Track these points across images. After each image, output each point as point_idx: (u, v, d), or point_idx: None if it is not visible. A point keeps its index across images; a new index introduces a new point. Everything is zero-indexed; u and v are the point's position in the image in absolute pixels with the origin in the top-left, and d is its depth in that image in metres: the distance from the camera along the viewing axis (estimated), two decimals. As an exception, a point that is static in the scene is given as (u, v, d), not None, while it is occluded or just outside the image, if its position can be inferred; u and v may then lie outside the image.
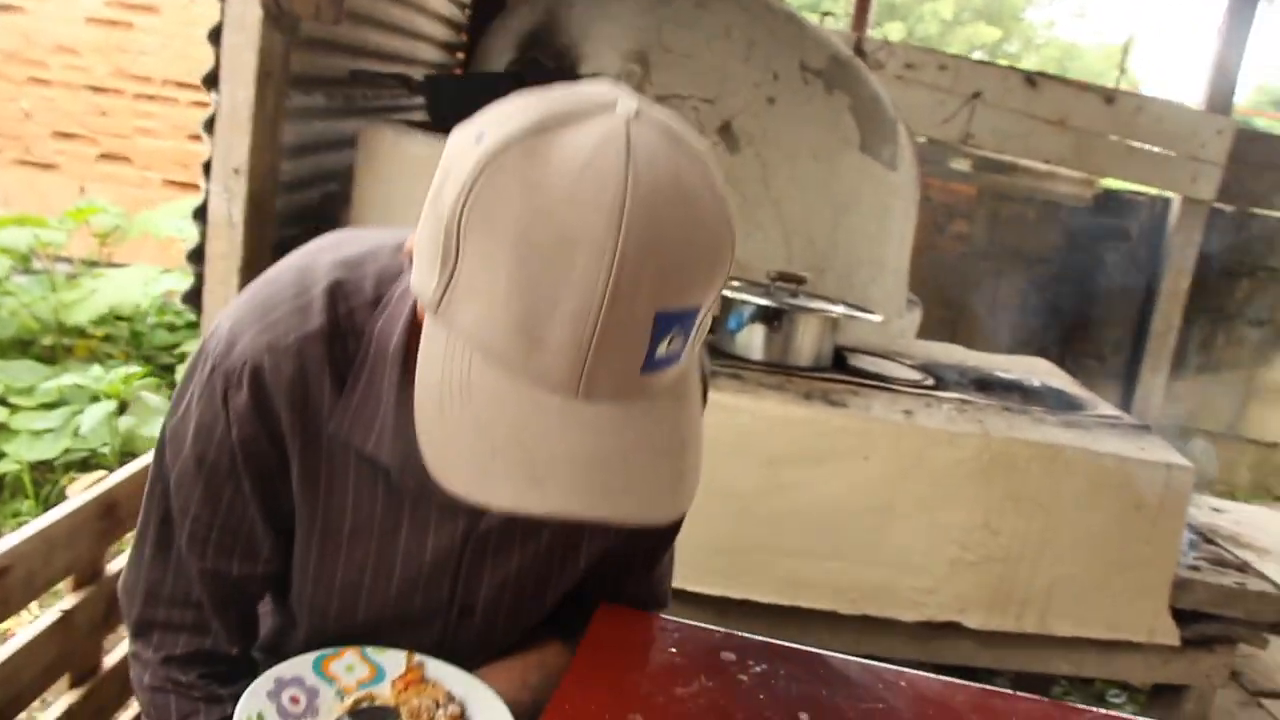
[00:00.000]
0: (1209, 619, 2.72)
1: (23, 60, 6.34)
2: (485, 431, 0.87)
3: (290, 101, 2.87)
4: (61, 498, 2.92)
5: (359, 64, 3.55)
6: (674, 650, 1.36)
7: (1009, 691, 1.39)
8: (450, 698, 1.21)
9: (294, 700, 1.15)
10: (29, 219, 4.83)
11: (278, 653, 1.30)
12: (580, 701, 1.20)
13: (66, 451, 3.72)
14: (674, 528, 1.47)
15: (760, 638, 1.42)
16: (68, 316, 4.54)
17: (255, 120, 2.60)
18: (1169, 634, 2.66)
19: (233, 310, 1.15)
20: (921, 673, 1.41)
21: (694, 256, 0.87)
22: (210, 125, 2.63)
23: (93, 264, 5.57)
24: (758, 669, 1.34)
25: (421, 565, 1.24)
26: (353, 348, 1.13)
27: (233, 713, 1.11)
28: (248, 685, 1.15)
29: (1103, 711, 1.39)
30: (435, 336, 0.91)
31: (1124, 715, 1.41)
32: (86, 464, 3.99)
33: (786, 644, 1.42)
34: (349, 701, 1.18)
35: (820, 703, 1.29)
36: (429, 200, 0.91)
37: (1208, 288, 6.11)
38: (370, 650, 1.24)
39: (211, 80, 2.63)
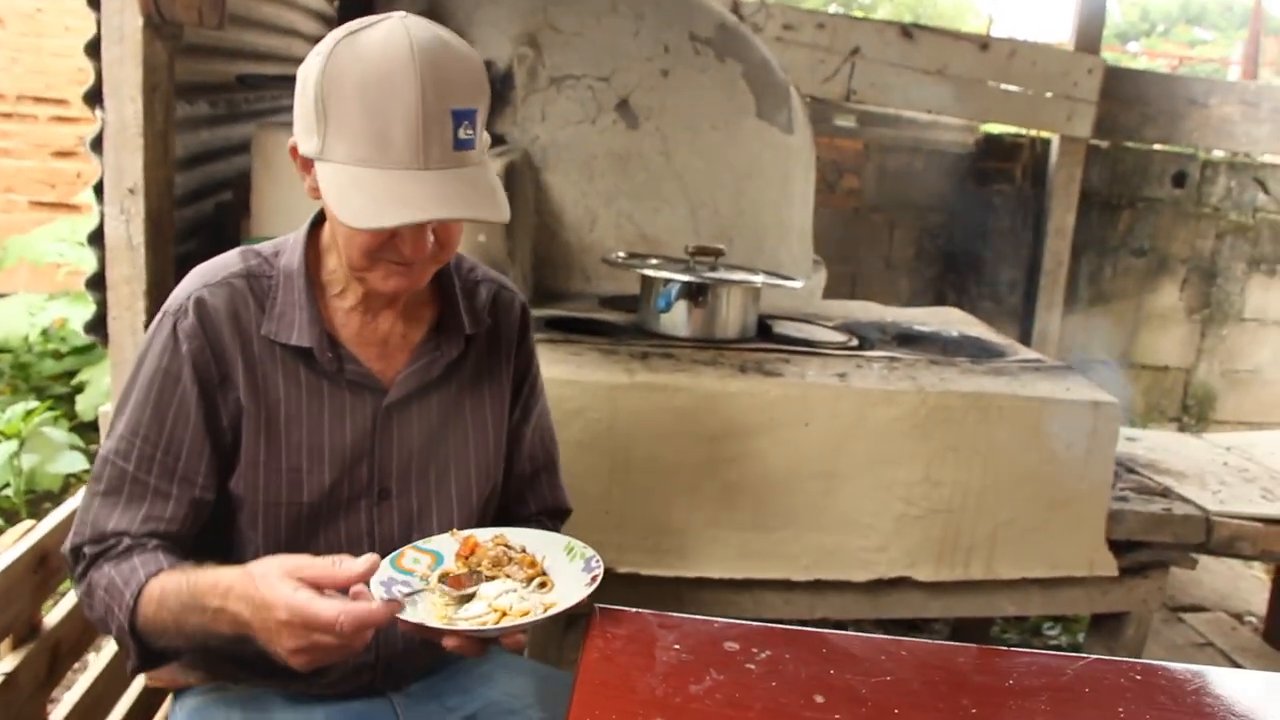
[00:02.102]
0: (1141, 546, 2.80)
1: None
2: (375, 199, 1.33)
3: (175, 113, 2.75)
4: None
5: (240, 68, 3.43)
6: (677, 646, 1.35)
7: (1005, 649, 1.42)
8: (508, 544, 1.49)
9: (401, 590, 1.38)
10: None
11: None
12: (599, 711, 1.19)
13: (-33, 497, 3.54)
14: (551, 432, 1.86)
15: (758, 623, 1.42)
16: (-50, 353, 4.32)
17: (146, 135, 2.48)
18: (1108, 565, 2.74)
19: (179, 286, 1.56)
20: (919, 639, 1.43)
21: (463, 73, 1.37)
22: (98, 144, 2.50)
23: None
24: (763, 655, 1.34)
25: (345, 447, 1.56)
26: (266, 283, 1.55)
27: (155, 570, 1.42)
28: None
29: (1091, 657, 1.43)
30: (324, 171, 1.38)
31: (1112, 658, 1.44)
32: (-12, 508, 3.81)
33: (785, 627, 1.42)
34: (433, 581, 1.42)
35: (831, 682, 1.29)
36: (297, 100, 1.41)
37: (1091, 222, 6.30)
38: (420, 543, 1.50)
39: (94, 97, 2.50)
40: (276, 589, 1.28)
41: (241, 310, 1.53)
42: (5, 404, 3.95)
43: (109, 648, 2.38)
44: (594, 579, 1.38)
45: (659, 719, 1.17)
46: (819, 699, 1.25)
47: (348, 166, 1.35)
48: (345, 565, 1.30)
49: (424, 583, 1.41)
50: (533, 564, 1.45)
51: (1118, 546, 2.77)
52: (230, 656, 1.60)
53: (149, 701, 2.46)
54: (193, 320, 1.50)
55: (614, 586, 2.56)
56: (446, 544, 1.49)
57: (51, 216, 5.95)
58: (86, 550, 1.50)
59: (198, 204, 3.21)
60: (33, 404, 3.76)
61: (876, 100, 5.73)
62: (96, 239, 2.63)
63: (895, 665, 1.34)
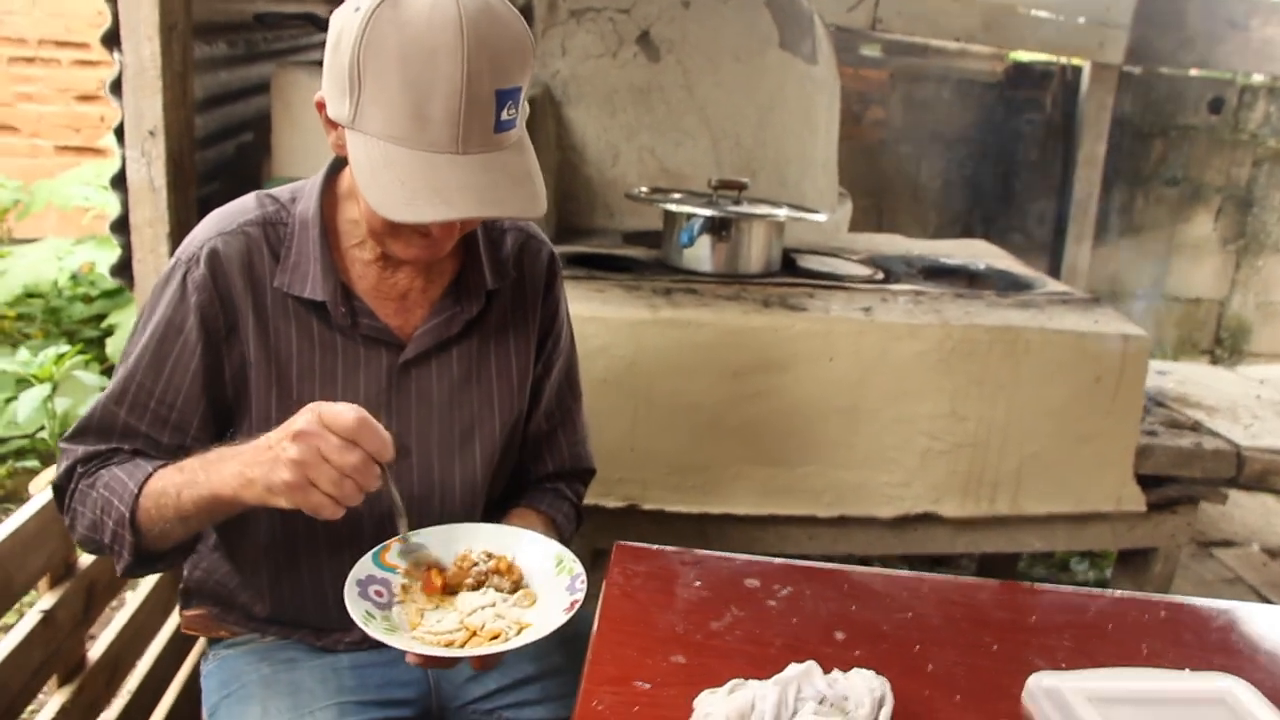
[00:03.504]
0: (1170, 481, 2.78)
1: (-113, 32, 5.95)
2: (406, 184, 1.27)
3: (193, 54, 2.73)
4: (18, 494, 2.81)
5: (259, 7, 3.40)
6: (699, 584, 1.35)
7: (1028, 585, 1.41)
8: (489, 555, 1.43)
9: (378, 593, 1.36)
10: (-83, 199, 4.58)
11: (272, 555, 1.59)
12: (618, 648, 1.19)
13: (2, 442, 3.58)
14: (575, 388, 1.80)
15: (780, 560, 1.42)
16: (-18, 299, 4.35)
17: (165, 77, 2.45)
18: (1135, 500, 2.72)
19: (192, 233, 1.52)
20: (942, 575, 1.42)
21: (511, 50, 1.29)
22: (117, 87, 2.48)
23: (-5, 240, 5.33)
24: (784, 592, 1.34)
25: (359, 400, 1.42)
26: (283, 232, 1.50)
27: (153, 471, 1.40)
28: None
29: (1116, 593, 1.42)
30: (355, 141, 1.31)
31: (1138, 594, 1.44)
32: (23, 452, 3.86)
33: (805, 564, 1.42)
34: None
35: (852, 619, 1.29)
36: (329, 56, 1.32)
37: (1123, 152, 6.16)
38: (410, 535, 1.43)
39: (111, 39, 2.47)
40: (322, 403, 1.29)
41: (255, 260, 1.49)
42: (37, 348, 3.97)
43: (143, 587, 2.41)
44: (573, 604, 1.30)
45: (679, 655, 1.18)
46: (839, 635, 1.25)
47: (381, 142, 1.29)
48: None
49: (408, 579, 1.39)
50: (516, 582, 1.40)
51: (1146, 481, 2.75)
52: (260, 611, 1.62)
53: (183, 640, 2.49)
54: (204, 271, 1.46)
55: (639, 523, 2.61)
56: (435, 535, 1.46)
57: (77, 161, 5.93)
58: (79, 469, 1.48)
59: (219, 146, 3.19)
60: (64, 348, 3.79)
61: (903, 29, 5.61)
62: (119, 182, 2.61)
63: (916, 601, 1.34)
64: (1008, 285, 2.96)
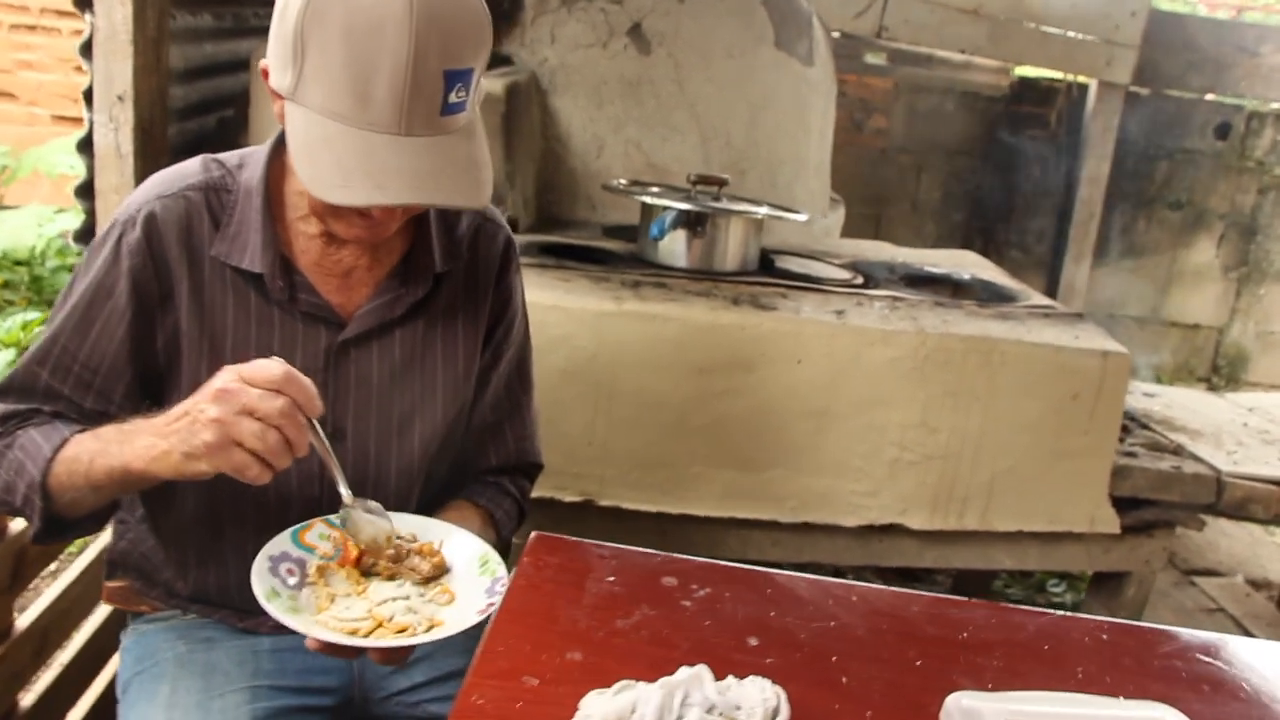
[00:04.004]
0: (1147, 504, 2.71)
1: (-112, -3, 5.93)
2: (341, 165, 1.21)
3: (176, 23, 2.68)
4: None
5: (244, -22, 3.34)
6: (612, 579, 1.28)
7: (963, 599, 1.34)
8: (414, 537, 1.39)
9: (289, 571, 1.31)
10: (-94, 165, 4.54)
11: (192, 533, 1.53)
12: (514, 640, 1.13)
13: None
14: (526, 380, 1.73)
15: (703, 559, 1.35)
16: (-41, 265, 4.31)
17: (136, 42, 2.41)
18: (1109, 522, 2.65)
19: (132, 194, 1.46)
20: (874, 585, 1.35)
21: (464, 29, 1.23)
22: (87, 50, 2.44)
23: (-17, 207, 5.28)
24: (701, 593, 1.27)
25: None
26: (226, 199, 1.43)
27: (70, 436, 1.33)
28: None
29: (1057, 613, 1.35)
30: (294, 113, 1.26)
31: (1081, 615, 1.36)
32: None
33: (731, 564, 1.35)
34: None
35: (769, 625, 1.22)
36: (275, 23, 1.26)
37: (1127, 173, 6.08)
38: (332, 517, 1.38)
39: (85, 1, 2.43)
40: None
41: (195, 226, 1.42)
42: (13, 314, 3.93)
43: (83, 558, 2.35)
44: (488, 607, 1.24)
45: (576, 652, 1.11)
46: (752, 641, 1.17)
47: (320, 117, 1.23)
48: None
49: (324, 560, 1.34)
50: (438, 565, 1.34)
51: (1122, 503, 2.68)
52: (182, 588, 1.57)
53: (122, 613, 2.43)
54: (139, 235, 1.40)
55: (595, 520, 2.54)
56: (365, 523, 1.39)
57: (73, 130, 5.91)
58: None
59: (201, 118, 3.14)
60: (33, 315, 3.74)
61: (909, 38, 5.54)
62: (86, 147, 2.57)
63: (841, 610, 1.27)
64: (990, 296, 2.89)
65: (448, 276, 1.55)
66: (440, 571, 1.33)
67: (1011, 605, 1.38)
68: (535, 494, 2.49)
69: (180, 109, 2.82)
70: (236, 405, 1.17)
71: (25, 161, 4.94)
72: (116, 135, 2.46)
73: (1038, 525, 2.64)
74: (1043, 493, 2.61)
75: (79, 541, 2.75)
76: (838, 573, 3.52)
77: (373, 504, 1.37)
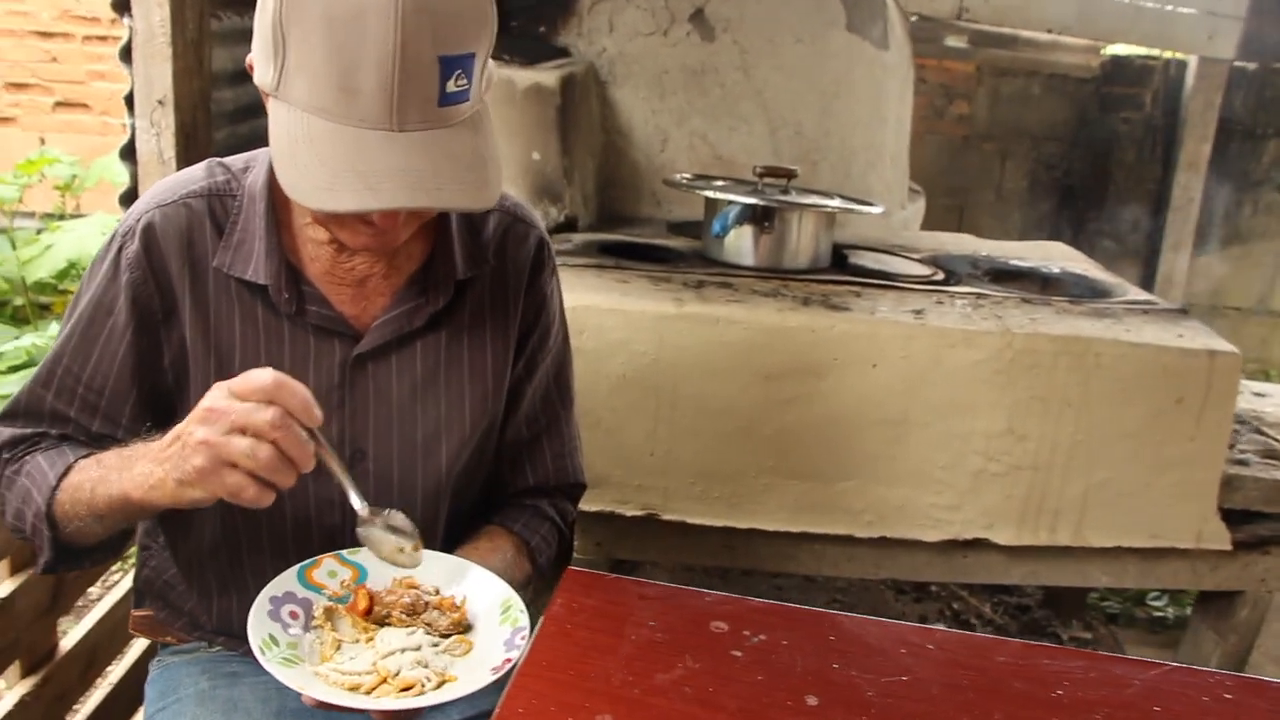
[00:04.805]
0: (1260, 518, 2.48)
1: (-38, 10, 6.00)
2: (327, 164, 1.09)
3: (221, 24, 2.61)
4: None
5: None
6: (654, 624, 1.12)
7: (1057, 646, 1.16)
8: (437, 591, 1.25)
9: (292, 615, 1.20)
10: (-26, 176, 4.57)
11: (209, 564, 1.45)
12: (536, 699, 0.98)
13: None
14: (565, 392, 1.58)
15: (759, 600, 1.19)
16: (30, 274, 4.31)
17: (175, 44, 2.37)
18: (1219, 537, 2.43)
19: (133, 204, 1.37)
20: (952, 631, 1.18)
21: (460, 11, 1.11)
22: (127, 54, 2.38)
23: (59, 216, 5.31)
24: (755, 640, 1.11)
25: None
26: (230, 206, 1.35)
27: (75, 461, 1.28)
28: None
29: (1169, 665, 1.16)
30: (278, 111, 1.14)
31: (1198, 667, 1.18)
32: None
33: (788, 605, 1.18)
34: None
35: (831, 679, 1.06)
36: (257, 16, 1.14)
37: (1230, 154, 5.78)
38: (345, 553, 1.28)
39: (122, 4, 2.37)
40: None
41: (196, 236, 1.33)
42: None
43: (130, 578, 2.29)
44: (504, 664, 1.10)
45: (607, 715, 0.96)
46: (811, 700, 1.01)
47: (304, 115, 1.12)
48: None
49: (332, 600, 1.23)
50: (457, 624, 1.21)
51: (1233, 516, 2.46)
52: (205, 620, 1.50)
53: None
54: (137, 247, 1.32)
55: (659, 534, 2.40)
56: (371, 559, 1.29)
57: (143, 139, 5.95)
58: (4, 454, 1.36)
59: (253, 120, 3.07)
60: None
61: (991, 18, 5.30)
62: (129, 154, 2.52)
63: (916, 662, 1.10)
64: (1083, 291, 2.69)
65: (472, 283, 1.43)
66: (459, 629, 1.20)
67: (1114, 655, 1.21)
68: (594, 508, 2.39)
69: (230, 112, 2.75)
70: (225, 424, 1.08)
71: (93, 170, 4.95)
72: (158, 141, 2.42)
73: (1137, 541, 2.43)
74: (1143, 506, 2.40)
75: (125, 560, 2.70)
76: (918, 587, 3.34)
77: (397, 516, 1.24)
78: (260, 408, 1.07)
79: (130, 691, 2.19)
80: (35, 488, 1.30)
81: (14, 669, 1.83)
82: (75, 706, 2.05)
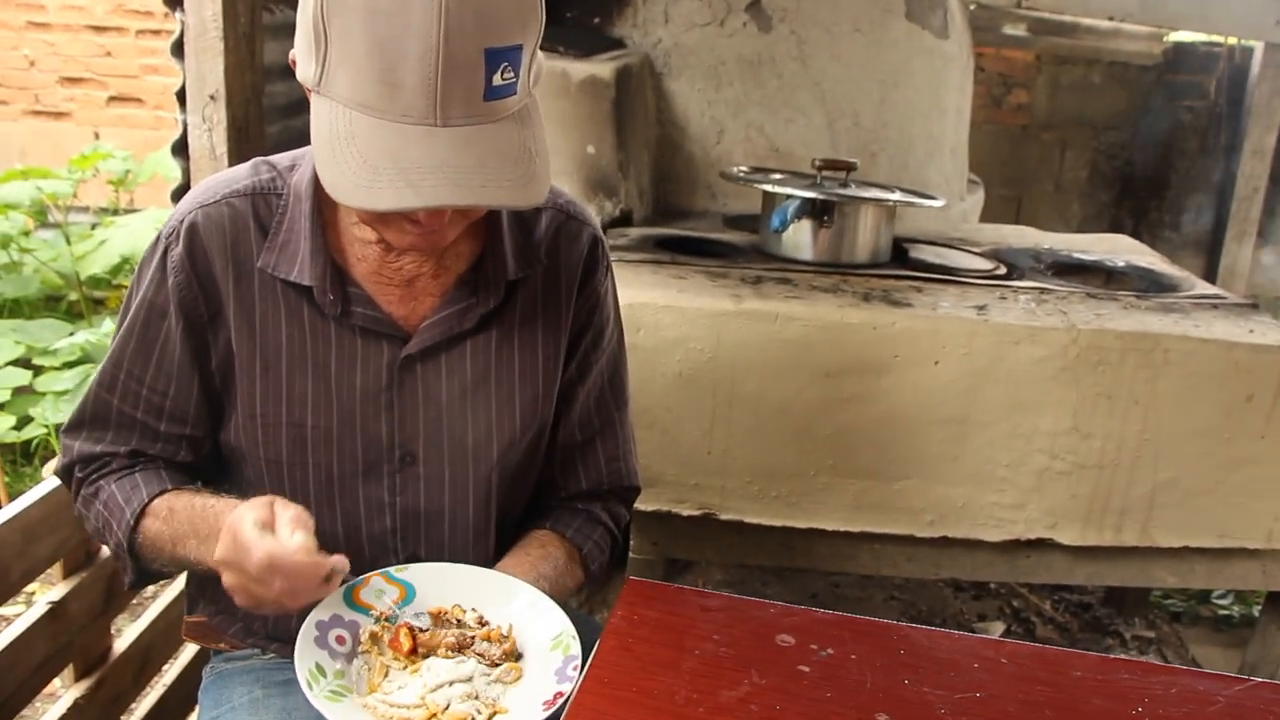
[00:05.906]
0: (1335, 516, 2.41)
1: (18, 4, 6.05)
2: (368, 161, 1.07)
3: (274, 17, 2.61)
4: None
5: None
6: (717, 638, 1.10)
7: (1135, 660, 1.12)
8: (482, 621, 1.22)
9: (340, 640, 1.18)
10: (33, 171, 4.60)
11: None
12: (600, 718, 0.96)
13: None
14: (619, 394, 1.54)
15: (824, 611, 1.16)
16: (84, 269, 4.34)
17: (227, 39, 2.35)
18: (1290, 537, 2.37)
19: (178, 204, 1.36)
20: (1025, 643, 1.14)
21: (505, 2, 1.07)
22: (179, 49, 2.37)
23: (114, 211, 5.36)
24: (823, 655, 1.08)
25: (355, 398, 1.35)
26: (275, 205, 1.33)
27: (150, 502, 1.31)
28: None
29: (1254, 680, 1.12)
30: (320, 107, 1.12)
31: (1269, 679, 1.14)
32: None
33: (856, 617, 1.15)
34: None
35: (902, 695, 1.03)
36: (299, 11, 1.12)
37: (1297, 143, 5.64)
38: (393, 570, 1.27)
39: (174, -1, 2.37)
40: (237, 522, 1.18)
41: (240, 237, 1.32)
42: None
43: (181, 580, 2.30)
44: (556, 698, 1.07)
45: (671, 736, 0.94)
46: (882, 719, 0.99)
47: (346, 110, 1.09)
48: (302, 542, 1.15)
49: (380, 624, 1.21)
50: (508, 654, 1.18)
51: (1306, 515, 2.39)
52: (259, 626, 1.50)
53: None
54: (181, 251, 1.31)
55: (717, 534, 2.38)
56: (426, 575, 1.28)
57: (200, 133, 5.98)
58: (78, 472, 1.40)
59: (303, 116, 3.06)
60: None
61: (1052, 6, 5.18)
62: (181, 149, 2.52)
63: (989, 677, 1.07)
64: (1149, 286, 2.62)
65: (524, 283, 1.40)
66: (510, 658, 1.17)
67: (1196, 670, 1.17)
68: (651, 508, 2.37)
69: (282, 106, 2.74)
70: (243, 577, 1.16)
71: (146, 165, 4.98)
72: (210, 136, 2.41)
73: (1206, 541, 2.38)
74: (1212, 505, 2.35)
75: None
76: (977, 585, 3.28)
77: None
78: (265, 584, 1.14)
79: (184, 693, 2.18)
80: (115, 520, 1.34)
81: (68, 671, 1.84)
82: (130, 708, 2.05)
